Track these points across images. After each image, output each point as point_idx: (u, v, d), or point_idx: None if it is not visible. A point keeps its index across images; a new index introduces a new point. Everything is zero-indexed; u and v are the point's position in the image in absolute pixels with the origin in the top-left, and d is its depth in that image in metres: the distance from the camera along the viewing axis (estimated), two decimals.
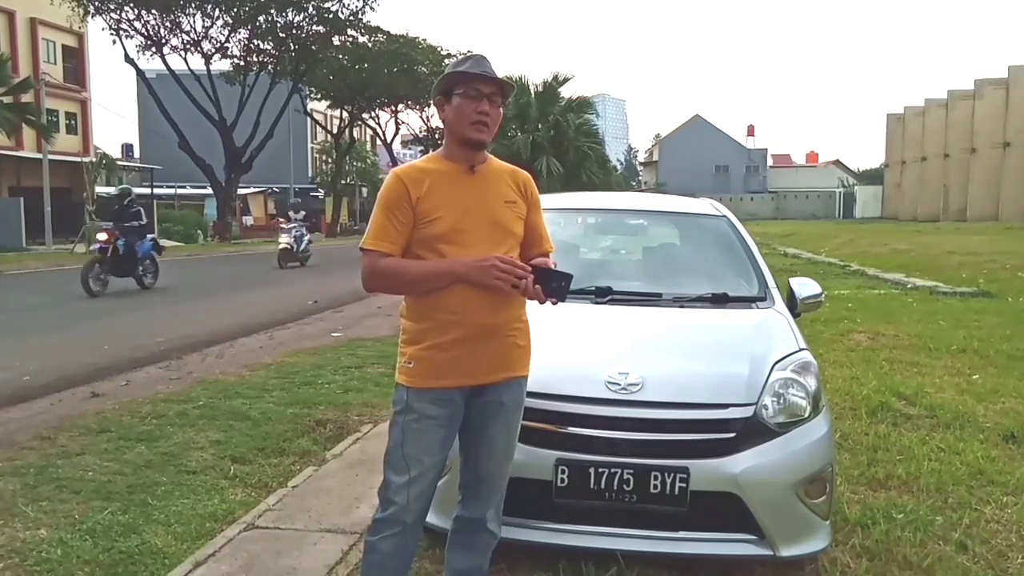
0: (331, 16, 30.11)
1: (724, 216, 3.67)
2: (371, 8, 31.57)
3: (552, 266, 1.91)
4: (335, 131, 42.25)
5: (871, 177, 63.31)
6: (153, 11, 28.16)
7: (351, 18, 30.68)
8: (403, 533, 1.93)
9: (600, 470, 2.29)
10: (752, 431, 2.36)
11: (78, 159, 25.61)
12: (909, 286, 10.67)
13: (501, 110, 1.95)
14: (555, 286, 1.84)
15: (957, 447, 3.77)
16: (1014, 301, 9.05)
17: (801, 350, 2.66)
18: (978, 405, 4.53)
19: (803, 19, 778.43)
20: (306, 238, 17.23)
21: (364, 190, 48.96)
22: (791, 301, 3.20)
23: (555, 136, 29.39)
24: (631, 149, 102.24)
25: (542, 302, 1.86)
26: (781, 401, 2.43)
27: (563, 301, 1.86)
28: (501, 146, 26.45)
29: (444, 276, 1.86)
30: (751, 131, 73.72)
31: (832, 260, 15.56)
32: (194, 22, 29.24)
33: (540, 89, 30.47)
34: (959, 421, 4.19)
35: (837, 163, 73.96)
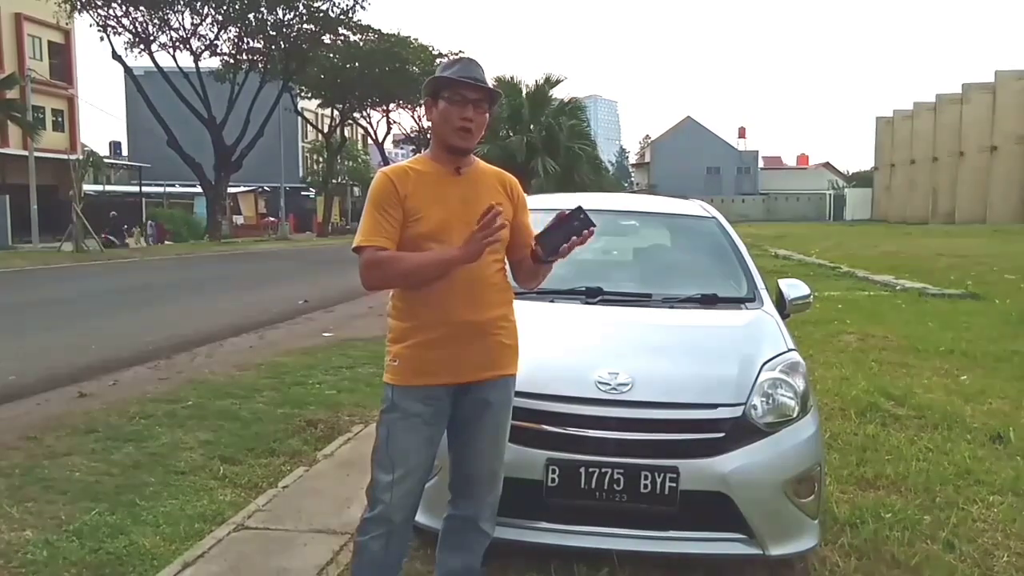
0: (322, 14, 30.00)
1: (713, 217, 3.69)
2: (362, 7, 31.44)
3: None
4: (326, 130, 42.06)
5: (861, 180, 63.76)
6: (141, 8, 27.91)
7: (342, 16, 30.58)
8: (391, 532, 1.93)
9: (591, 470, 2.30)
10: (741, 431, 2.37)
11: (65, 157, 25.36)
12: (898, 288, 10.74)
13: (487, 116, 1.96)
14: (577, 224, 1.85)
15: (945, 447, 3.80)
16: (1001, 303, 9.13)
17: (789, 351, 2.68)
18: (965, 406, 4.57)
19: (794, 22, 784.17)
20: None
21: (355, 189, 48.84)
22: (780, 302, 3.22)
23: (547, 138, 29.43)
24: (623, 150, 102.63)
25: (578, 245, 1.86)
26: (770, 401, 2.45)
27: (594, 225, 1.86)
28: (496, 148, 26.43)
29: (443, 263, 1.85)
30: (742, 133, 74.29)
31: (822, 262, 15.64)
32: (183, 19, 29.10)
33: (532, 90, 30.49)
34: (947, 421, 4.22)
35: (827, 165, 74.48)
